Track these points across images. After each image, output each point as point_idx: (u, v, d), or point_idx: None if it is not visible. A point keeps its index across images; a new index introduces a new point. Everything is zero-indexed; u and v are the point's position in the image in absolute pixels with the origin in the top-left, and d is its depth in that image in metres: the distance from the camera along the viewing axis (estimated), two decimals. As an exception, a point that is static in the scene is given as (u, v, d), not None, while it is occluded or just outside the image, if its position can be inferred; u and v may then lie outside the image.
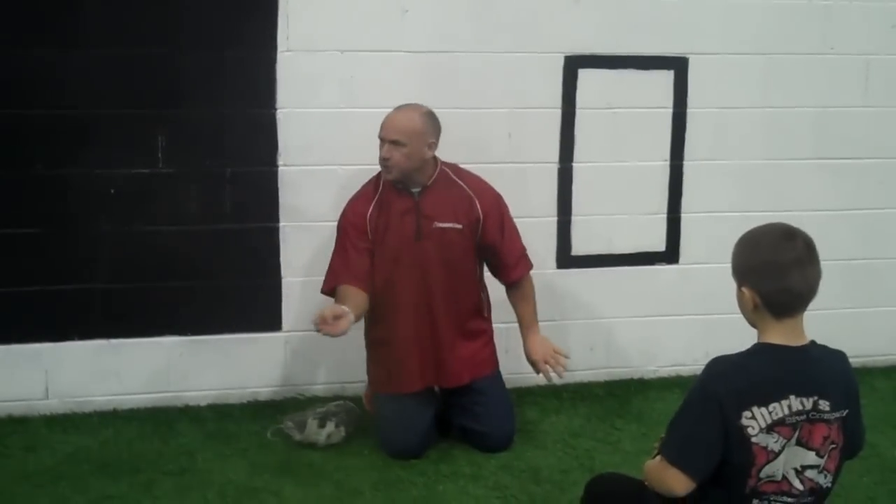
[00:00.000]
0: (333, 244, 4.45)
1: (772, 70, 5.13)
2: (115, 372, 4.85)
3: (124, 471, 4.32)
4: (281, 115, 4.75)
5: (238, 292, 4.91)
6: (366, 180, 4.60)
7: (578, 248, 5.15)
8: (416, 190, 4.38)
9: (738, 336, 5.25)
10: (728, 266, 5.35)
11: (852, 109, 5.24)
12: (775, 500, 2.76)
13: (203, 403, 4.94)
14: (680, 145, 5.12)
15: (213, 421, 4.81)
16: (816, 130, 5.24)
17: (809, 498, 2.80)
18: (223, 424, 4.78)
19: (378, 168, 4.40)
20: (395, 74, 4.79)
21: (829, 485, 2.82)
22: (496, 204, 4.50)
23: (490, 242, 4.47)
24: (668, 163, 5.14)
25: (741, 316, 5.58)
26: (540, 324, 4.66)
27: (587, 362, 5.30)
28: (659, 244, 5.22)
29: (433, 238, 4.37)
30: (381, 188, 4.41)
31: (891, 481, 4.29)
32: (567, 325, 5.21)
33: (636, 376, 5.37)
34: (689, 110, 5.09)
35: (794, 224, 2.88)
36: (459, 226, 4.40)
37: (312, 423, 4.53)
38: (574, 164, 5.03)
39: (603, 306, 5.26)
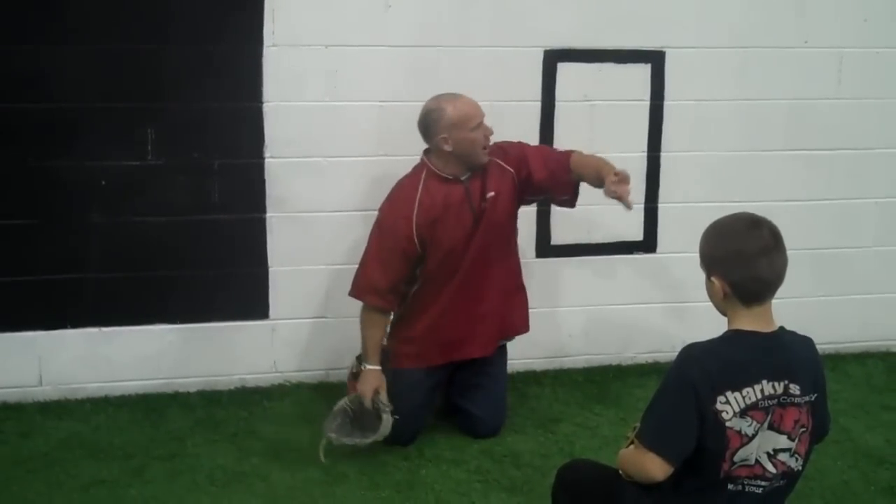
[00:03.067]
0: (368, 244, 4.50)
1: (747, 63, 5.22)
2: (106, 359, 4.94)
3: (116, 456, 4.43)
4: (267, 108, 4.82)
5: (226, 281, 4.99)
6: (351, 172, 4.78)
7: (557, 237, 5.24)
8: (465, 177, 4.45)
9: (713, 323, 5.38)
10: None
11: (826, 101, 5.32)
12: (749, 485, 2.84)
13: (192, 390, 5.04)
14: (657, 137, 5.21)
15: (202, 407, 4.92)
16: (790, 122, 5.32)
17: (782, 481, 2.89)
18: (212, 410, 4.88)
19: (374, 174, 4.56)
20: (378, 68, 4.88)
21: (801, 468, 2.90)
22: (517, 147, 4.58)
23: (526, 176, 4.52)
24: (645, 154, 5.23)
25: (716, 303, 5.64)
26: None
27: (566, 349, 5.42)
28: (636, 234, 5.31)
29: (485, 214, 4.44)
30: (421, 186, 4.42)
31: (864, 465, 4.40)
32: (546, 312, 5.30)
33: (614, 363, 5.48)
34: (665, 103, 5.18)
35: (768, 214, 2.95)
36: (498, 192, 4.46)
37: (385, 418, 4.39)
38: (554, 156, 5.12)
39: (582, 294, 5.36)
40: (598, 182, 4.33)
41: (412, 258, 4.43)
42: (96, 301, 4.90)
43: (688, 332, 5.33)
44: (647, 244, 5.35)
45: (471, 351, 4.60)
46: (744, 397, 2.78)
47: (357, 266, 4.52)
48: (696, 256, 5.48)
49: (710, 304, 5.40)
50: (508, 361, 5.02)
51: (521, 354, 5.26)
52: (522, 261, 4.87)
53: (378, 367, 4.46)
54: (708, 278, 2.91)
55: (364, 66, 4.87)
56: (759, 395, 2.79)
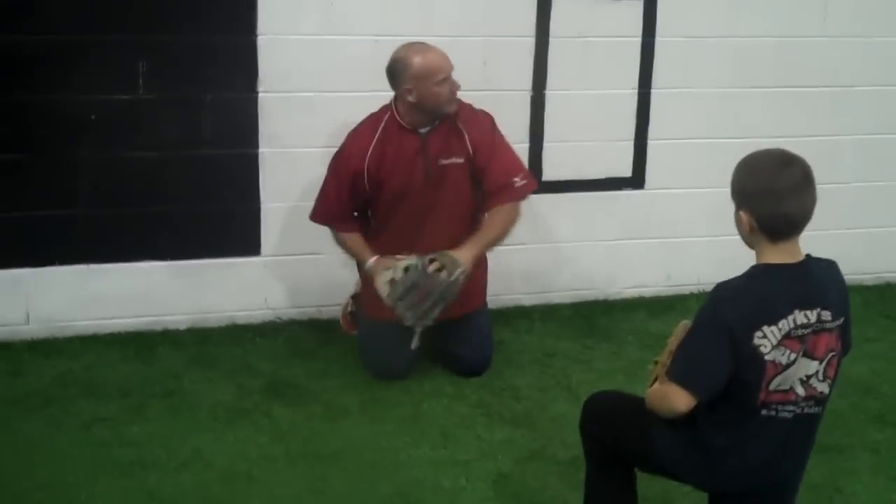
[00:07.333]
0: (326, 174, 4.51)
1: (735, 0, 5.24)
2: (95, 297, 4.88)
3: (112, 394, 4.40)
4: (261, 41, 4.76)
5: (217, 218, 4.95)
6: (345, 108, 4.70)
7: (549, 173, 5.23)
8: (424, 130, 4.43)
9: (698, 258, 5.46)
10: (690, 191, 5.55)
11: (811, 39, 5.36)
12: (781, 410, 2.86)
13: (182, 327, 5.00)
14: (648, 74, 5.22)
15: (193, 344, 4.89)
16: (777, 59, 5.36)
17: (815, 408, 2.92)
18: (204, 348, 4.86)
19: (368, 109, 4.49)
20: (373, 2, 4.83)
21: (828, 391, 2.93)
22: (487, 132, 4.53)
23: (479, 168, 4.51)
24: (636, 91, 5.24)
25: (701, 239, 5.80)
26: (509, 247, 4.89)
27: (554, 284, 5.45)
28: (625, 170, 5.33)
29: (439, 175, 4.43)
30: (380, 129, 4.42)
31: (852, 395, 4.49)
32: (536, 248, 5.35)
33: (601, 297, 5.52)
34: (657, 39, 5.18)
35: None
36: (461, 160, 4.46)
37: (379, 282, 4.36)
38: (546, 92, 5.12)
39: (571, 230, 5.38)
40: None
41: (362, 194, 4.46)
42: (85, 238, 4.83)
43: (672, 267, 5.48)
44: (636, 180, 5.37)
45: None
46: (779, 329, 2.79)
47: (318, 192, 4.56)
48: (682, 192, 5.56)
49: (695, 239, 5.48)
50: (497, 297, 5.04)
51: (510, 290, 5.31)
52: (514, 196, 4.90)
53: (376, 257, 4.45)
54: (736, 211, 2.89)
55: (359, 0, 4.82)
56: (793, 325, 2.80)
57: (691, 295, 5.51)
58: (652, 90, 5.25)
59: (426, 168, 4.43)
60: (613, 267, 5.50)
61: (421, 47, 4.38)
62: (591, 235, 5.41)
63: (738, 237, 5.28)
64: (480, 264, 4.64)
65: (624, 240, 5.46)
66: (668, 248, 5.45)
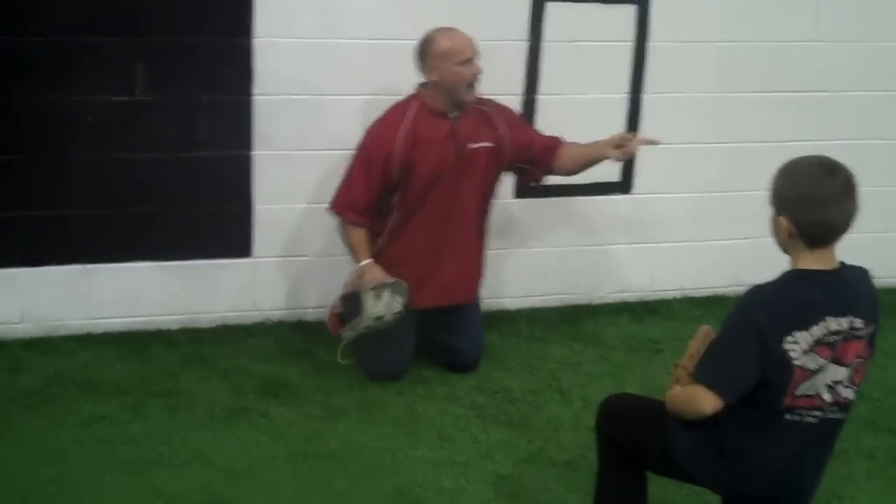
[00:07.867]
0: (351, 164, 4.51)
1: (728, 5, 5.28)
2: (88, 296, 4.89)
3: (111, 392, 4.42)
4: (257, 44, 4.77)
5: (210, 219, 4.95)
6: (338, 111, 4.78)
7: (537, 178, 5.27)
8: (454, 114, 4.50)
9: (681, 264, 5.48)
10: (675, 196, 5.57)
11: (802, 44, 5.41)
12: (806, 415, 2.90)
13: (174, 327, 5.01)
14: (639, 79, 5.26)
15: (186, 344, 4.90)
16: (768, 64, 5.40)
17: (840, 414, 2.96)
18: (197, 348, 4.87)
19: (363, 112, 4.58)
20: (368, 6, 4.85)
21: (854, 397, 2.96)
22: (510, 114, 4.71)
23: (524, 142, 4.65)
24: (627, 95, 5.28)
25: (685, 244, 5.80)
26: (497, 251, 5.00)
27: (539, 288, 5.48)
28: (614, 175, 5.34)
29: (468, 159, 4.51)
30: (411, 115, 4.46)
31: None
32: (522, 252, 5.40)
33: (584, 302, 5.56)
34: (649, 44, 5.22)
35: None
36: (491, 144, 4.56)
37: (367, 297, 4.41)
38: (538, 96, 5.16)
39: (557, 235, 5.43)
40: (591, 165, 4.71)
41: (389, 181, 4.48)
42: (79, 237, 4.83)
43: (655, 272, 5.52)
44: (623, 185, 5.42)
45: (423, 299, 4.58)
46: (811, 335, 2.82)
47: (339, 183, 4.55)
48: (669, 197, 5.58)
49: (679, 244, 5.49)
50: (483, 300, 5.08)
51: (495, 294, 5.33)
52: (502, 201, 4.94)
53: (371, 260, 4.50)
54: (776, 216, 2.89)
55: (354, 3, 4.84)
56: (825, 332, 2.83)
57: (674, 300, 5.59)
58: (643, 94, 5.29)
59: (456, 151, 4.49)
60: (597, 271, 5.54)
61: (447, 29, 4.48)
62: (577, 240, 5.46)
63: (721, 243, 5.38)
64: (477, 262, 4.75)
65: (609, 245, 5.51)
66: (652, 252, 5.50)
